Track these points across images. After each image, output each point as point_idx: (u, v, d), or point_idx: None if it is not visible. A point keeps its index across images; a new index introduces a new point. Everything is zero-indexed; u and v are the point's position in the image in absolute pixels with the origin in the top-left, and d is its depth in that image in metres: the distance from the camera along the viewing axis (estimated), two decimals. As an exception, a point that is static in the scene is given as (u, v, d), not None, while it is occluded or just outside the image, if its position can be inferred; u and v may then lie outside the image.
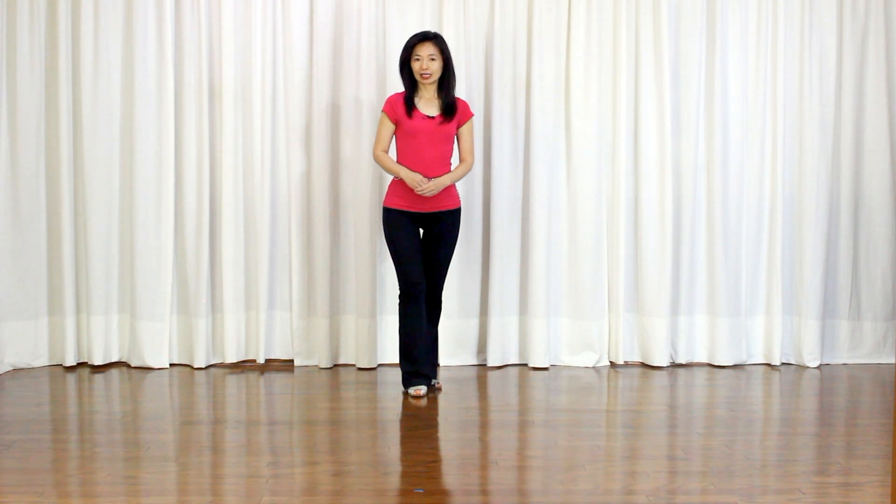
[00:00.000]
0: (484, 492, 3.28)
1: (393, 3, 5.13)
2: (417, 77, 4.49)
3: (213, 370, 5.11)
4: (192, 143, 5.10)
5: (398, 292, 4.58)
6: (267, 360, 5.23)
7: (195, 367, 5.11)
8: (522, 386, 4.83)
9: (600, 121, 5.18)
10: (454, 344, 5.22)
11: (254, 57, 5.08)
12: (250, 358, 5.23)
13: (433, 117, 4.48)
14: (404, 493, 3.21)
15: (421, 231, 4.59)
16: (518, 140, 5.19)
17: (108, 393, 4.74)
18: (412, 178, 4.42)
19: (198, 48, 5.08)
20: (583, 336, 5.23)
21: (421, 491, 3.20)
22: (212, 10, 5.10)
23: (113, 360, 5.18)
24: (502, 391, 4.77)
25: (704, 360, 5.32)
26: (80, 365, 5.15)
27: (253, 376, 5.00)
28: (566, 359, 5.26)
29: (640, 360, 5.31)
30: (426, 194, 4.42)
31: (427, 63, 4.46)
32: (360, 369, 5.12)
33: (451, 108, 4.50)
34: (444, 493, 3.21)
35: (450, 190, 4.54)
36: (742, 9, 5.22)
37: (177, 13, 5.07)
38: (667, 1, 5.14)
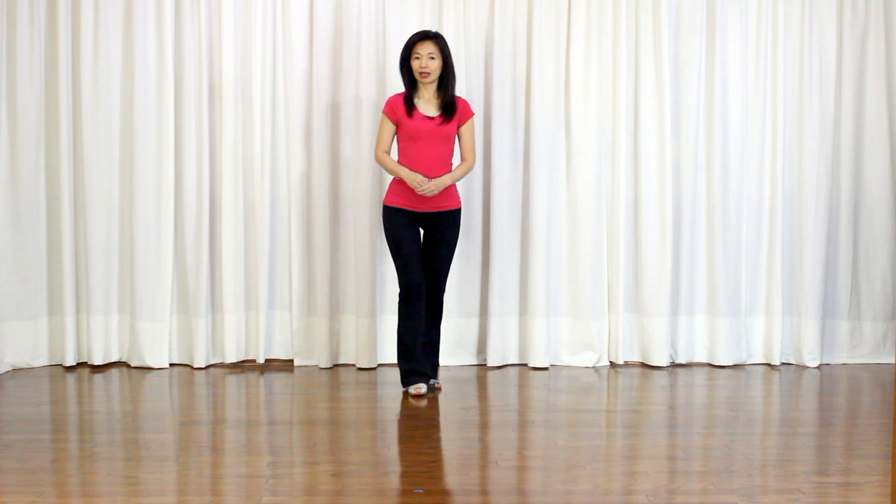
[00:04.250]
0: (484, 492, 3.28)
1: (393, 3, 5.13)
2: (417, 76, 4.49)
3: (213, 370, 5.11)
4: (192, 143, 5.10)
5: (398, 292, 4.58)
6: (267, 360, 5.23)
7: (195, 367, 5.11)
8: (522, 386, 4.83)
9: (600, 121, 5.18)
10: (454, 344, 5.22)
11: (254, 57, 5.08)
12: (250, 358, 5.23)
13: (433, 118, 4.48)
14: (404, 493, 3.21)
15: (421, 231, 4.59)
16: (518, 140, 5.19)
17: (108, 393, 4.75)
18: (412, 178, 4.42)
19: (198, 48, 5.08)
20: (583, 336, 5.23)
21: (421, 491, 3.20)
22: (212, 10, 5.10)
23: (113, 360, 5.18)
24: (502, 391, 4.77)
25: (704, 360, 5.32)
26: (80, 365, 5.14)
27: (253, 376, 5.00)
28: (566, 359, 5.26)
29: (640, 360, 5.31)
30: (427, 194, 4.42)
31: (426, 61, 4.46)
32: (359, 369, 5.12)
33: (450, 108, 4.49)
34: (444, 493, 3.21)
35: (450, 190, 4.54)
36: (742, 9, 5.22)
37: (177, 13, 5.07)
38: (667, 1, 5.15)
